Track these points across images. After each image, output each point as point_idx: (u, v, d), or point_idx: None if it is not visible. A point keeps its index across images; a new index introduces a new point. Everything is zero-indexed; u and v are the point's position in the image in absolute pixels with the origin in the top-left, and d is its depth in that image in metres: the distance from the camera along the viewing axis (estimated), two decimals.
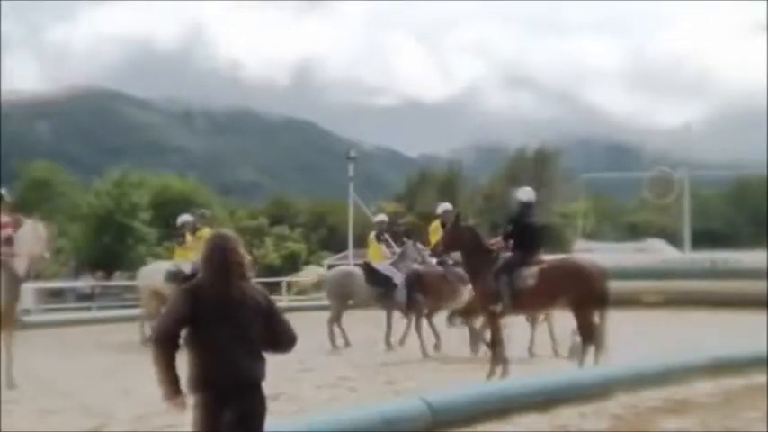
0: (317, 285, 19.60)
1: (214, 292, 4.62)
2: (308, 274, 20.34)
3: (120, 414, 9.05)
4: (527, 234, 11.92)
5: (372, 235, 16.96)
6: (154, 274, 17.49)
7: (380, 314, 16.30)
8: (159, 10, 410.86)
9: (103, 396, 10.26)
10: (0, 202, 11.63)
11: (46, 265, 14.31)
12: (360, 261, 19.85)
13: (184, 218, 17.67)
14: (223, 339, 4.54)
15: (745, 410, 9.28)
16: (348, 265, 23.55)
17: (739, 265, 27.34)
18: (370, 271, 16.26)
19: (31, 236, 11.70)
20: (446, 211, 15.12)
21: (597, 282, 11.44)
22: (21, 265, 11.48)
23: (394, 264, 16.13)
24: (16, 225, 11.60)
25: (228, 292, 4.63)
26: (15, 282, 11.44)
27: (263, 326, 4.68)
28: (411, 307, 15.44)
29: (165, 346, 4.55)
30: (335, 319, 16.06)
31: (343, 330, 16.04)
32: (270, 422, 4.76)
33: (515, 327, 13.36)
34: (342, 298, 16.28)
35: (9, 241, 11.40)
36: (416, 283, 15.42)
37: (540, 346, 14.39)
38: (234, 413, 4.50)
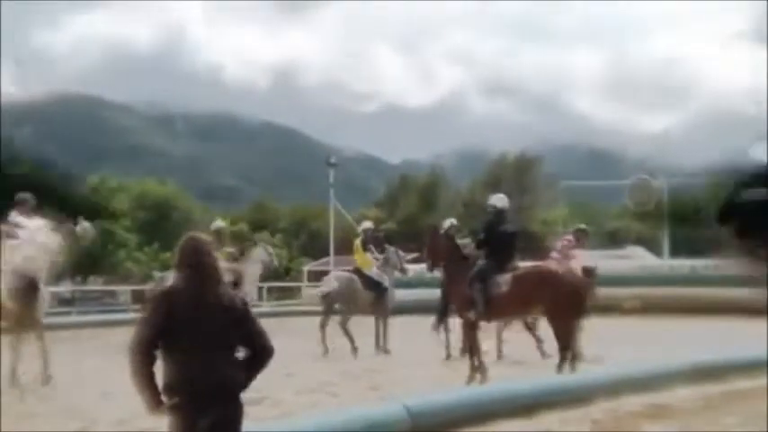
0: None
1: (188, 296, 4.52)
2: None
3: (103, 417, 9.04)
4: (501, 241, 11.89)
5: (358, 242, 16.93)
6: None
7: (367, 320, 16.35)
8: (139, 14, 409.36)
9: (86, 399, 10.24)
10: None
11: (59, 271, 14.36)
12: (341, 267, 19.79)
13: (217, 224, 17.57)
14: (198, 344, 4.45)
15: (725, 416, 9.35)
16: (329, 270, 23.47)
17: (719, 271, 27.43)
18: (361, 277, 16.30)
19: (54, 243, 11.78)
20: (451, 226, 14.85)
21: (571, 288, 11.35)
22: (41, 271, 11.54)
23: (380, 270, 16.25)
24: None
25: (203, 295, 4.53)
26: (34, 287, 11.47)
27: (238, 332, 4.58)
28: (443, 313, 15.29)
29: (141, 355, 4.45)
30: (345, 323, 15.95)
31: (324, 337, 15.97)
32: (252, 426, 4.75)
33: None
34: (348, 303, 16.21)
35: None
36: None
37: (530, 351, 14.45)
38: (210, 418, 4.40)
